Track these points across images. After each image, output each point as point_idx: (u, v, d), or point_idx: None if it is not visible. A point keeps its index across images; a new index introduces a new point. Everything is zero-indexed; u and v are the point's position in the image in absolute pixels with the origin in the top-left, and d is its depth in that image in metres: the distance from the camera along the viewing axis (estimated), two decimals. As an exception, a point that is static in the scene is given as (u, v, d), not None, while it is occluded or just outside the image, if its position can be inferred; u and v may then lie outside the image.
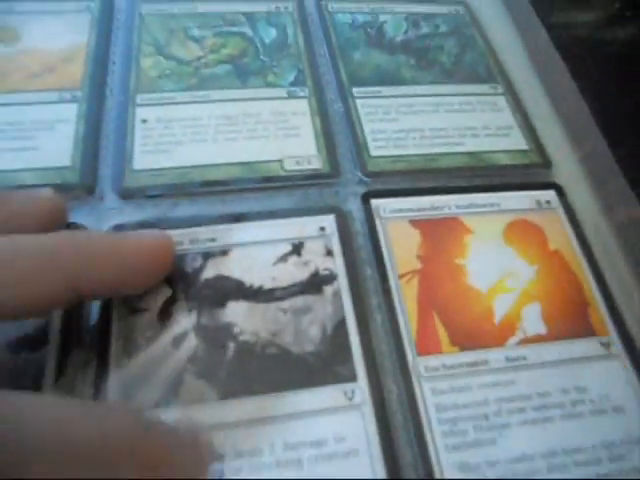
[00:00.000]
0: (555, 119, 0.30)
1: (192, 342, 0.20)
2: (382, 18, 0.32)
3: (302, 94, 0.28)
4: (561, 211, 0.26)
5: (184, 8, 0.30)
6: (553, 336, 0.22)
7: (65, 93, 0.26)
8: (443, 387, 0.20)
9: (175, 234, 0.22)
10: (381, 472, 0.18)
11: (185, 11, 0.30)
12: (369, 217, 0.24)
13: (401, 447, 0.19)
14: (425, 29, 0.32)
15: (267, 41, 0.30)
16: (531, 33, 0.35)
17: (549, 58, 0.34)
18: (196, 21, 0.30)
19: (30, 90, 0.26)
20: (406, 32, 0.31)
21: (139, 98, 0.27)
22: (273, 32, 0.30)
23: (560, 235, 0.25)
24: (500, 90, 0.30)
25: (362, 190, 0.25)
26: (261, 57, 0.29)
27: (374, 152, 0.26)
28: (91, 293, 0.18)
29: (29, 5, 0.29)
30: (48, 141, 0.25)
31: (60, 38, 0.28)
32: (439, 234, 0.24)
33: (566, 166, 0.28)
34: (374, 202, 0.24)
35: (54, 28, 0.29)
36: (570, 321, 0.22)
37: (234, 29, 0.30)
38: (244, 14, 0.31)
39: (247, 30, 0.30)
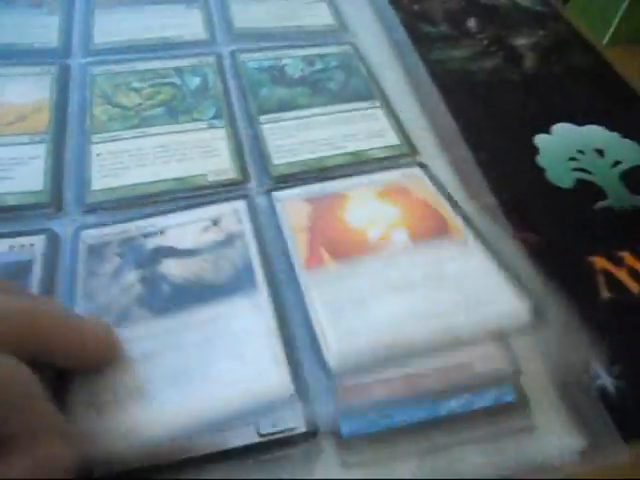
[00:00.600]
0: (429, 130, 0.38)
1: (138, 288, 0.27)
2: (284, 61, 0.40)
3: (220, 125, 0.36)
4: (425, 177, 0.34)
5: (126, 67, 0.39)
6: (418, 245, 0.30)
7: (35, 136, 0.34)
8: (327, 285, 0.27)
9: (125, 226, 0.30)
10: (279, 347, 0.25)
11: (127, 69, 0.39)
12: (270, 201, 0.32)
13: (295, 329, 0.26)
14: (319, 65, 0.40)
15: (192, 87, 0.38)
16: (412, 67, 0.44)
17: (426, 86, 0.42)
18: (136, 76, 0.38)
19: (7, 135, 0.34)
20: (303, 70, 0.40)
21: (93, 137, 0.34)
22: (197, 80, 0.38)
23: (423, 189, 0.33)
24: (378, 105, 0.38)
25: (267, 188, 0.33)
26: (187, 100, 0.37)
27: (276, 161, 0.34)
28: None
29: (3, 70, 0.38)
30: (24, 172, 0.32)
31: (29, 95, 0.36)
32: (326, 203, 0.32)
33: (434, 160, 0.36)
34: (275, 194, 0.32)
35: (24, 87, 0.37)
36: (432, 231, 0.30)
37: (166, 80, 0.38)
38: (173, 68, 0.39)
39: (176, 80, 0.38)
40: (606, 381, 0.27)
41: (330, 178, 0.33)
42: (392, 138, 0.36)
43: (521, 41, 0.50)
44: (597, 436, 0.25)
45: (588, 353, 0.27)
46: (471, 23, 0.51)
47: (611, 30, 0.54)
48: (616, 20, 0.54)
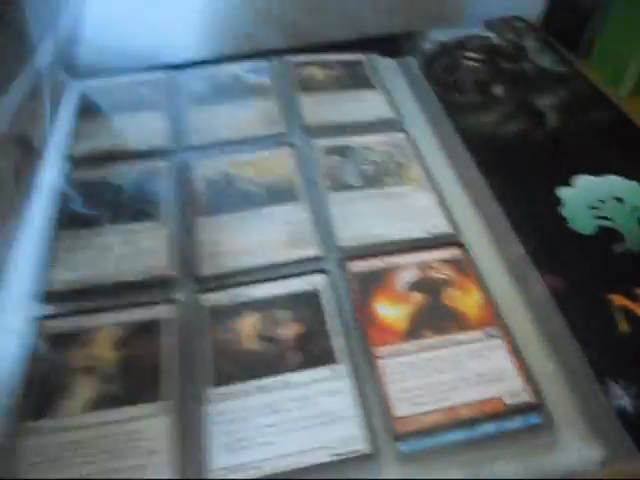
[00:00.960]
0: (463, 195, 0.45)
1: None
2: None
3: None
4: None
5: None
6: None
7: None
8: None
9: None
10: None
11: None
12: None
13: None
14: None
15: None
16: (444, 133, 0.51)
17: (458, 149, 0.49)
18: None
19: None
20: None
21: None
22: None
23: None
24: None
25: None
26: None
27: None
28: None
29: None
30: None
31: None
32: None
33: (470, 228, 0.42)
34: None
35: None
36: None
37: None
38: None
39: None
40: (625, 402, 0.32)
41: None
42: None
43: (544, 101, 0.56)
44: (615, 448, 0.30)
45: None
46: (497, 89, 0.58)
47: (629, 82, 0.59)
48: (634, 73, 0.59)
